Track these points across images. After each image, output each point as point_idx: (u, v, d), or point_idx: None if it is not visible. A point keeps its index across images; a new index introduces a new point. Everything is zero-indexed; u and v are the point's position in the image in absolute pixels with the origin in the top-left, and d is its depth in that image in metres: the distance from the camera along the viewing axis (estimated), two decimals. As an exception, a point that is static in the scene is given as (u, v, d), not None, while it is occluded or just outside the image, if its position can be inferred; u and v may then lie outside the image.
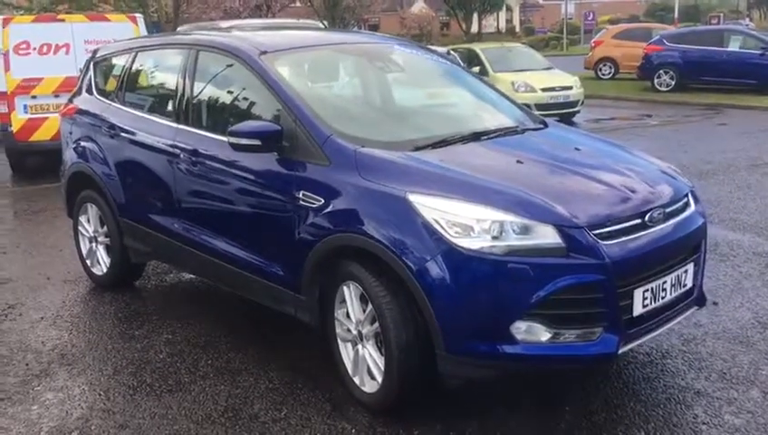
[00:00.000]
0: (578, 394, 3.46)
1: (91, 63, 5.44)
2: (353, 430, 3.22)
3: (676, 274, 3.27)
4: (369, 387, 3.31)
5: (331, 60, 4.50)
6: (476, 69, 13.86)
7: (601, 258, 2.93)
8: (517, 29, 59.50)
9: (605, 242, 2.98)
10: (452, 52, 14.49)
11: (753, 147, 10.30)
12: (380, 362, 3.21)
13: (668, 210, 3.29)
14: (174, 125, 4.29)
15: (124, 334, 4.38)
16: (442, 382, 3.16)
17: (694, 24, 38.06)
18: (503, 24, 58.88)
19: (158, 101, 4.73)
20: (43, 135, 9.38)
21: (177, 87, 4.35)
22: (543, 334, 2.93)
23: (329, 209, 3.30)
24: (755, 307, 4.44)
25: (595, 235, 2.97)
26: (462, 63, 11.60)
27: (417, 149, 3.45)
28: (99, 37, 8.88)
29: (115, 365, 3.96)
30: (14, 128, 9.43)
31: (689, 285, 3.39)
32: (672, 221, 3.29)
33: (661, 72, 18.07)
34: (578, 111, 14.02)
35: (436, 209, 2.98)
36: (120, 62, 5.14)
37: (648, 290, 3.12)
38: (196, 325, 4.44)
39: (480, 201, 2.99)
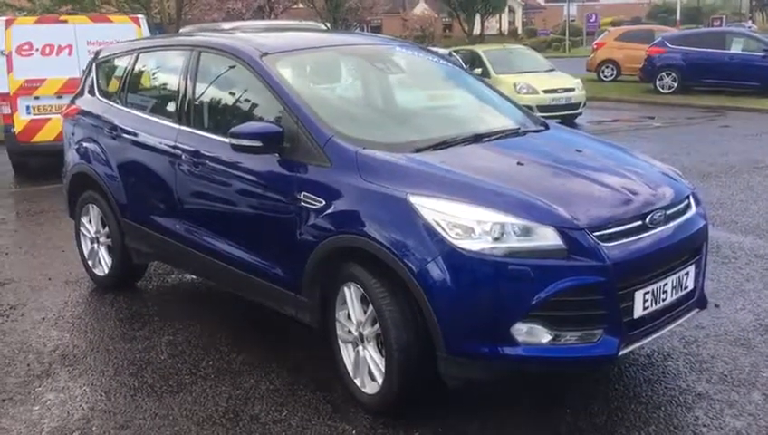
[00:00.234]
0: (578, 396, 3.46)
1: (94, 65, 5.45)
2: (354, 432, 3.22)
3: (677, 276, 3.27)
4: (370, 388, 3.31)
5: (332, 61, 4.51)
6: (478, 71, 13.86)
7: (602, 260, 2.93)
8: (519, 31, 59.50)
9: (606, 244, 2.98)
10: (454, 53, 14.51)
11: (755, 149, 10.29)
12: (381, 363, 3.21)
13: (669, 212, 3.29)
14: (176, 126, 4.30)
15: (125, 335, 4.39)
16: (443, 384, 3.16)
17: (696, 26, 38.04)
18: (505, 26, 58.89)
19: (160, 102, 4.74)
20: (45, 136, 9.40)
21: (178, 88, 4.35)
22: (544, 336, 2.93)
23: (330, 211, 3.31)
24: (757, 310, 4.44)
25: (596, 236, 2.97)
26: (464, 65, 11.62)
27: (419, 150, 3.45)
28: (101, 38, 8.91)
29: (116, 366, 3.97)
30: (17, 129, 9.45)
31: (690, 287, 3.39)
32: (673, 223, 3.29)
33: (663, 74, 18.05)
34: (580, 113, 14.01)
35: (436, 211, 2.98)
36: (122, 63, 5.15)
37: (648, 292, 3.12)
38: (197, 326, 4.45)
39: (481, 203, 2.99)
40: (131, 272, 5.15)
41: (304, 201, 3.41)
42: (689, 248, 3.38)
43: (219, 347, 4.14)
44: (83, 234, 5.30)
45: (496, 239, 2.90)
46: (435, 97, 4.66)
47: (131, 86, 4.98)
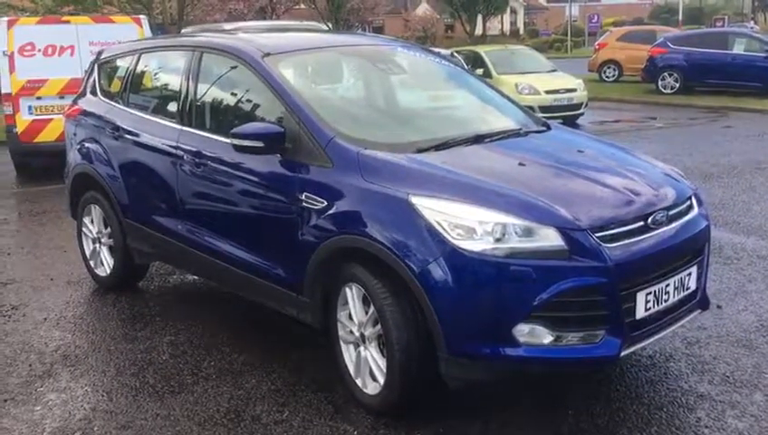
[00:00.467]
0: (580, 396, 3.45)
1: (96, 65, 5.45)
2: (355, 432, 3.22)
3: (679, 276, 3.26)
4: (372, 389, 3.31)
5: (334, 62, 4.51)
6: (480, 71, 13.86)
7: (604, 261, 2.93)
8: (521, 31, 59.48)
9: (608, 244, 2.97)
10: (455, 54, 14.51)
11: (757, 150, 10.28)
12: (382, 363, 3.21)
13: (672, 213, 3.28)
14: (177, 127, 4.30)
15: (127, 336, 4.39)
16: (444, 384, 3.15)
17: (698, 26, 38.02)
18: (507, 27, 58.86)
19: (162, 102, 4.74)
20: (47, 136, 9.41)
21: (180, 89, 4.36)
22: (546, 337, 2.92)
23: (331, 211, 3.31)
24: (759, 310, 4.43)
25: (598, 237, 2.96)
26: (465, 66, 11.62)
27: (420, 151, 3.45)
28: (103, 39, 8.92)
29: (118, 366, 3.97)
30: (19, 129, 9.45)
31: (693, 287, 3.38)
32: (675, 224, 3.28)
33: (665, 74, 18.03)
34: (582, 114, 14.00)
35: (438, 211, 2.98)
36: (124, 63, 5.15)
37: (650, 293, 3.11)
38: (198, 327, 4.45)
39: (482, 203, 2.99)
40: (133, 272, 5.16)
41: (306, 202, 3.41)
42: (691, 249, 3.38)
43: (221, 347, 4.14)
44: (85, 234, 5.30)
45: (498, 240, 2.90)
46: (436, 98, 4.66)
47: (133, 87, 4.99)
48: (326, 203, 3.33)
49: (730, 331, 4.14)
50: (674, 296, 3.24)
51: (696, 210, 3.49)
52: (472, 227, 2.93)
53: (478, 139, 3.73)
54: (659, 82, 18.10)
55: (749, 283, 4.91)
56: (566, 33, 44.01)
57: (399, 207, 3.08)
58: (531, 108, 8.76)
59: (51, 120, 9.37)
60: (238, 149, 3.61)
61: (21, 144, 9.60)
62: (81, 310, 4.89)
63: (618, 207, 3.15)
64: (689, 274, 3.34)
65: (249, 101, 4.05)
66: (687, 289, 3.34)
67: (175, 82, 4.47)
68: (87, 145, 5.12)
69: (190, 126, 4.24)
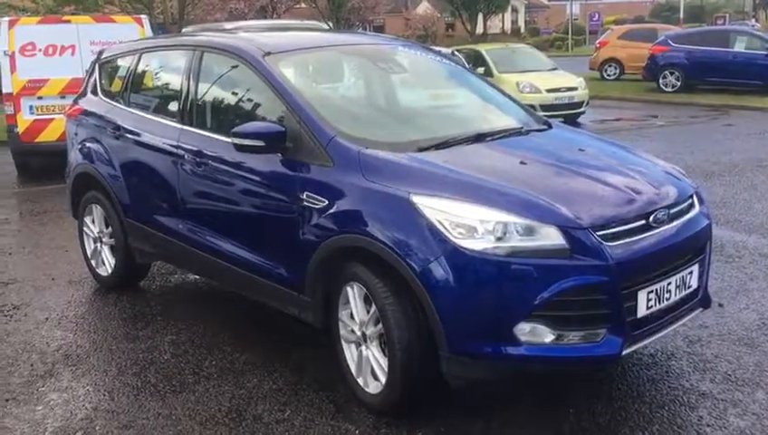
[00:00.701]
0: (582, 395, 3.45)
1: (97, 65, 5.45)
2: (357, 431, 3.22)
3: (680, 275, 3.26)
4: (373, 388, 3.31)
5: (334, 61, 4.50)
6: (481, 70, 13.85)
7: (605, 260, 2.92)
8: (522, 30, 59.44)
9: (609, 243, 2.97)
10: (456, 52, 14.49)
11: (758, 148, 10.27)
12: (384, 362, 3.21)
13: (673, 211, 3.28)
14: (178, 126, 4.30)
15: (128, 335, 4.39)
16: (445, 383, 3.15)
17: (699, 24, 37.97)
18: (508, 25, 58.83)
19: (163, 102, 4.74)
20: (48, 136, 9.41)
21: (181, 88, 4.36)
22: (547, 336, 2.92)
23: (333, 210, 3.31)
24: (761, 309, 4.43)
25: (599, 236, 2.96)
26: (466, 64, 11.60)
27: (421, 150, 3.45)
28: (104, 38, 8.92)
29: (119, 366, 3.97)
30: (20, 129, 9.46)
31: (694, 286, 3.38)
32: (677, 222, 3.28)
33: (666, 72, 18.02)
34: (583, 112, 13.99)
35: (439, 210, 2.98)
36: (124, 63, 5.15)
37: (652, 291, 3.11)
38: (200, 326, 4.45)
39: (484, 202, 2.99)
40: (134, 272, 5.16)
41: (307, 201, 3.41)
42: (693, 247, 3.38)
43: (222, 347, 4.14)
44: (86, 234, 5.30)
45: (499, 239, 2.90)
46: (437, 96, 4.66)
47: (134, 86, 4.99)
48: (327, 202, 3.33)
49: (732, 329, 4.14)
50: (675, 295, 3.24)
51: (697, 209, 3.49)
52: (473, 225, 2.92)
53: (479, 137, 3.73)
54: (660, 81, 18.09)
55: (750, 281, 4.91)
56: (567, 31, 43.95)
57: (400, 206, 3.08)
58: (532, 106, 8.73)
59: (52, 119, 9.38)
60: (239, 148, 3.61)
61: (22, 144, 9.61)
62: (82, 309, 4.89)
63: (619, 205, 3.14)
64: (691, 272, 3.33)
65: (250, 100, 4.05)
66: (689, 288, 3.33)
67: (176, 81, 4.47)
68: (88, 145, 5.12)
69: (191, 125, 4.24)
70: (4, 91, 9.60)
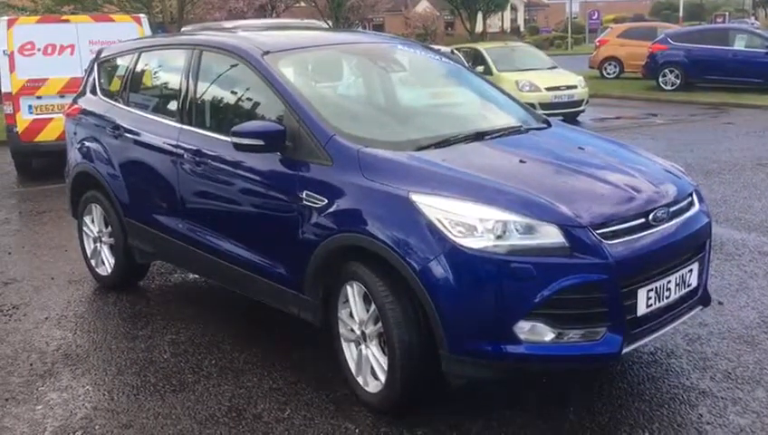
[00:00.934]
0: (582, 394, 3.45)
1: (96, 64, 5.45)
2: (357, 430, 3.22)
3: (680, 273, 3.26)
4: (373, 387, 3.31)
5: (334, 60, 4.50)
6: (480, 68, 13.85)
7: (605, 258, 2.92)
8: (522, 28, 59.43)
9: (609, 241, 2.97)
10: (456, 51, 14.48)
11: (758, 146, 10.27)
12: (384, 361, 3.21)
13: (673, 209, 3.28)
14: (177, 125, 4.29)
15: (128, 334, 4.39)
16: (445, 382, 3.15)
17: (699, 22, 37.96)
18: (507, 24, 58.82)
19: (162, 101, 4.74)
20: (48, 136, 9.41)
21: (180, 87, 4.35)
22: (547, 334, 2.92)
23: (332, 209, 3.30)
24: (761, 307, 4.42)
25: (599, 234, 2.96)
26: (466, 63, 11.60)
27: (420, 148, 3.45)
28: (103, 38, 8.90)
29: (119, 365, 3.97)
30: (19, 128, 9.45)
31: (694, 284, 3.38)
32: (676, 220, 3.28)
33: (666, 71, 18.02)
34: (583, 111, 13.99)
35: (439, 209, 2.98)
36: (123, 62, 5.15)
37: (652, 290, 3.11)
38: (199, 325, 4.45)
39: (483, 201, 2.98)
40: (134, 271, 5.15)
41: (306, 200, 3.40)
42: (693, 246, 3.37)
43: (222, 346, 4.14)
44: (86, 233, 5.30)
45: (499, 237, 2.90)
46: (437, 95, 4.65)
47: (133, 85, 4.98)
48: (326, 201, 3.32)
49: (731, 327, 4.14)
50: (675, 293, 3.24)
51: (697, 207, 3.49)
52: (473, 224, 2.92)
53: (479, 136, 3.72)
54: (660, 79, 18.09)
55: (750, 279, 4.91)
56: (566, 29, 43.97)
57: (400, 204, 3.08)
58: (531, 105, 8.73)
59: (51, 119, 9.37)
60: (238, 147, 3.61)
61: (21, 143, 9.60)
62: (82, 309, 4.89)
63: (619, 203, 3.14)
64: (690, 270, 3.33)
65: (249, 99, 4.05)
66: (689, 286, 3.33)
67: (175, 80, 4.46)
68: (87, 144, 5.12)
69: (190, 125, 4.23)
70: (3, 90, 9.59)
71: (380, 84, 4.54)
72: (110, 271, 5.14)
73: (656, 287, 3.13)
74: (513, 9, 59.39)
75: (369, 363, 3.32)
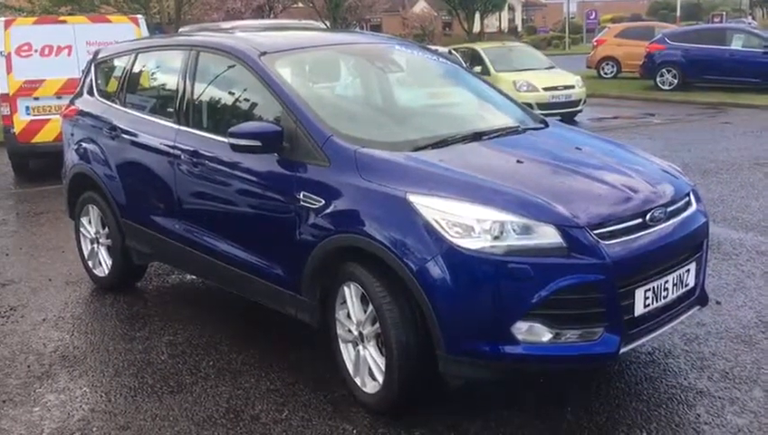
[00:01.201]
0: (579, 394, 3.45)
1: (93, 65, 5.44)
2: (354, 431, 3.22)
3: (677, 273, 3.26)
4: (371, 388, 3.31)
5: (331, 60, 4.50)
6: (478, 69, 13.85)
7: (602, 258, 2.92)
8: (519, 28, 59.47)
9: (606, 242, 2.97)
10: (453, 51, 14.49)
11: (756, 145, 10.28)
12: (381, 362, 3.21)
13: (670, 209, 3.28)
14: (174, 126, 4.29)
15: (126, 336, 4.39)
16: (443, 383, 3.15)
17: (696, 22, 38.01)
18: (505, 24, 58.85)
19: (159, 102, 4.73)
20: (45, 137, 9.40)
21: (177, 88, 4.35)
22: (544, 334, 2.92)
23: (329, 210, 3.30)
24: (758, 306, 4.43)
25: (596, 234, 2.96)
26: (463, 63, 11.61)
27: (418, 149, 3.45)
28: (100, 39, 8.89)
29: (116, 367, 3.96)
30: (17, 129, 9.43)
31: (691, 284, 3.38)
32: (674, 220, 3.28)
33: (664, 70, 18.03)
34: (580, 111, 14.00)
35: (436, 210, 2.98)
36: (120, 63, 5.14)
37: (649, 290, 3.11)
38: (197, 327, 4.44)
39: (480, 201, 2.98)
40: (131, 272, 5.15)
41: (304, 201, 3.40)
42: (690, 245, 3.38)
43: (219, 347, 4.13)
44: (83, 234, 5.30)
45: (496, 238, 2.90)
46: (434, 95, 4.65)
47: (130, 86, 4.97)
48: (324, 202, 3.32)
49: (729, 327, 4.14)
50: (672, 293, 3.24)
51: (694, 206, 3.49)
52: (470, 224, 2.92)
53: (476, 136, 3.72)
54: (658, 79, 18.10)
55: (748, 279, 4.91)
56: (564, 29, 44.00)
57: (397, 205, 3.07)
58: (529, 105, 8.75)
59: (48, 120, 9.36)
60: (236, 148, 3.60)
61: (18, 144, 9.59)
62: (79, 310, 4.88)
63: (616, 204, 3.14)
64: (688, 270, 3.33)
65: (246, 100, 4.05)
66: (686, 286, 3.33)
67: (172, 81, 4.46)
68: (84, 145, 5.11)
69: (187, 125, 4.23)
70: (0, 91, 9.57)
71: (378, 85, 4.54)
72: (107, 272, 5.13)
73: (653, 287, 3.13)
74: (511, 9, 59.42)
75: (366, 364, 3.32)
